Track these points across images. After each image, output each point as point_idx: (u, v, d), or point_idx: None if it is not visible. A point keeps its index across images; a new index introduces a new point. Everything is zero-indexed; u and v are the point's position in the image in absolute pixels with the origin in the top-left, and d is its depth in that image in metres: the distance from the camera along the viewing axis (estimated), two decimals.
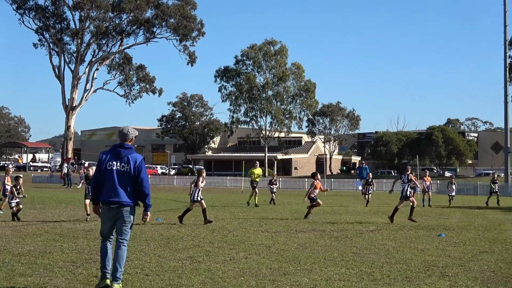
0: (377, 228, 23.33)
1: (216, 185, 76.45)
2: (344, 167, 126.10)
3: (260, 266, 14.24)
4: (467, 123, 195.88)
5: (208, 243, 18.16)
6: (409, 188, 26.85)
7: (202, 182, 24.41)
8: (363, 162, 56.46)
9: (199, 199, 24.10)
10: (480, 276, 13.40)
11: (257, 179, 37.87)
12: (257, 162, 40.62)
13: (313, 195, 27.69)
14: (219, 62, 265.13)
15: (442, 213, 32.28)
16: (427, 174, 41.47)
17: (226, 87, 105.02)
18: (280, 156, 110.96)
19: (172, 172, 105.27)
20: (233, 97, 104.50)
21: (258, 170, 38.72)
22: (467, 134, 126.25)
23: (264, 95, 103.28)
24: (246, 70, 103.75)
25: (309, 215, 27.52)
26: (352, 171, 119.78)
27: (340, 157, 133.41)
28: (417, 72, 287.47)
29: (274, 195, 39.18)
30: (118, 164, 11.17)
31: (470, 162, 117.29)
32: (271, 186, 39.74)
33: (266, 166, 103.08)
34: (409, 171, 27.85)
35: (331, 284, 12.26)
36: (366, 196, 40.22)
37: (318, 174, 29.51)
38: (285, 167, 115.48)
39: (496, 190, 42.71)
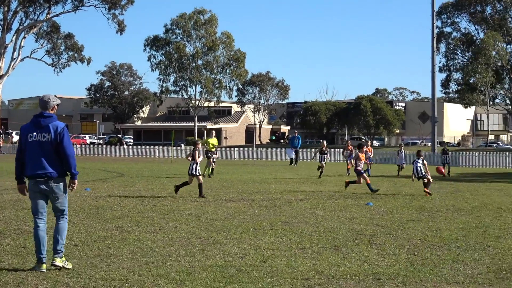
0: (306, 197, 23.48)
1: (146, 154, 76.10)
2: (274, 137, 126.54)
3: (189, 235, 14.23)
4: (395, 92, 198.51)
5: (138, 213, 18.07)
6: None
7: (199, 155, 23.68)
8: (296, 131, 56.72)
9: (197, 173, 23.27)
10: (407, 244, 13.59)
11: (212, 149, 36.65)
12: (213, 132, 39.61)
13: (359, 168, 26.89)
14: (149, 31, 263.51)
15: (371, 182, 32.60)
16: (369, 144, 41.71)
17: (156, 56, 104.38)
18: (209, 125, 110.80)
19: (101, 141, 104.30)
20: (163, 67, 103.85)
21: (213, 140, 37.50)
22: (395, 104, 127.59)
23: (194, 64, 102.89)
24: (175, 39, 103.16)
25: (348, 185, 27.12)
26: (282, 141, 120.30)
27: (270, 126, 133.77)
28: (346, 42, 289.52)
29: (214, 165, 38.26)
30: (39, 134, 10.52)
31: (397, 131, 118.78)
32: (213, 156, 38.68)
33: (196, 135, 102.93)
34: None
35: (260, 253, 12.31)
36: (322, 166, 37.86)
37: (365, 147, 29.96)
38: (215, 137, 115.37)
39: (448, 161, 43.04)
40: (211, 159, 35.79)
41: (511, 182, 35.46)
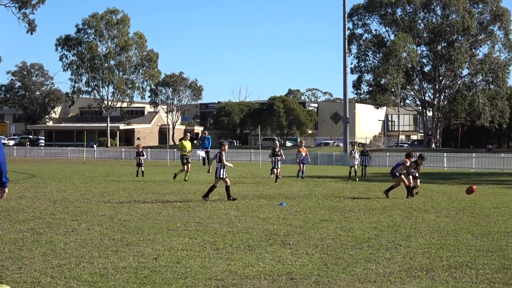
0: (220, 198, 23.47)
1: (57, 156, 75.04)
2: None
3: (102, 237, 14.10)
4: (308, 93, 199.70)
5: (50, 214, 17.83)
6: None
7: (224, 156, 23.10)
8: (206, 132, 56.55)
9: (224, 176, 22.70)
10: (320, 243, 13.71)
11: (188, 154, 34.71)
12: (188, 134, 37.86)
13: (398, 173, 25.11)
14: (61, 31, 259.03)
15: (285, 182, 32.83)
16: (303, 145, 40.20)
17: (68, 56, 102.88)
18: (122, 126, 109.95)
19: (12, 142, 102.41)
20: (75, 67, 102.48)
21: (188, 144, 35.50)
22: (307, 105, 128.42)
23: (106, 64, 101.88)
24: (87, 39, 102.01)
25: (413, 191, 25.32)
26: (195, 141, 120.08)
27: (183, 127, 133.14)
28: (258, 43, 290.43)
29: (142, 168, 37.42)
30: None
31: (310, 132, 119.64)
32: (140, 158, 37.92)
33: (108, 136, 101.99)
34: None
35: (174, 254, 12.27)
36: (275, 170, 34.57)
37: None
38: (128, 137, 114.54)
39: (367, 162, 41.16)
40: (188, 165, 34.03)
41: (421, 181, 36.07)
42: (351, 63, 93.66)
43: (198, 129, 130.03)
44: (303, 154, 38.62)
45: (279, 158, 34.91)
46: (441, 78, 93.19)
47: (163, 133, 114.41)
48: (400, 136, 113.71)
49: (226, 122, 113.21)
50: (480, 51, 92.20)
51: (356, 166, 37.25)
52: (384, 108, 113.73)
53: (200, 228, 15.64)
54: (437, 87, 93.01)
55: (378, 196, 25.70)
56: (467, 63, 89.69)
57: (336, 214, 19.02)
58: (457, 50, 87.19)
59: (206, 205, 21.03)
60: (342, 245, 13.59)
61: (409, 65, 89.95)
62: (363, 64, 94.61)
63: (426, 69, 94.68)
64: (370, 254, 12.56)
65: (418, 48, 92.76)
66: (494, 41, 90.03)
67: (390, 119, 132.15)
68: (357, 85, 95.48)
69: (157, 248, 12.92)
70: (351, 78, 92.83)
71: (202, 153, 53.04)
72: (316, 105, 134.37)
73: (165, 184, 30.36)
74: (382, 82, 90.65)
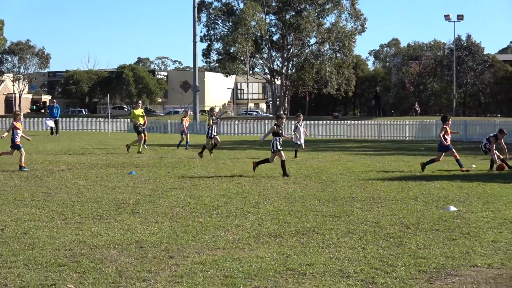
0: (68, 168, 23.16)
1: None
2: (35, 106, 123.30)
3: None
4: (157, 62, 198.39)
5: None
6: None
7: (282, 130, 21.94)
8: (54, 101, 55.62)
9: (279, 149, 21.53)
10: (169, 212, 13.76)
11: (141, 123, 32.75)
12: (140, 102, 35.71)
13: (446, 143, 23.10)
14: None
15: (134, 151, 32.58)
16: (188, 114, 38.43)
17: None
18: None
19: None
20: None
21: (140, 112, 33.30)
22: (157, 73, 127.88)
23: None
24: None
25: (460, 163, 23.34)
26: (43, 110, 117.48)
27: (30, 96, 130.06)
28: (106, 10, 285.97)
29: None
30: None
31: (160, 100, 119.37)
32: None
33: None
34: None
35: (21, 225, 12.06)
36: (213, 141, 30.64)
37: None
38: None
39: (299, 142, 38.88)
40: (143, 134, 32.53)
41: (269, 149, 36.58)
42: (201, 32, 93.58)
43: (46, 98, 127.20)
44: (187, 123, 37.33)
45: (214, 127, 30.57)
46: (289, 47, 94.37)
47: (9, 102, 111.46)
48: (249, 104, 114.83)
49: (74, 91, 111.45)
50: (327, 20, 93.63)
51: (302, 144, 30.32)
52: (234, 76, 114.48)
53: (48, 199, 15.40)
54: (285, 55, 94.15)
55: (227, 164, 25.95)
56: (314, 32, 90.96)
57: (186, 182, 19.10)
58: (305, 19, 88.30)
59: (54, 175, 20.71)
60: (191, 212, 13.68)
61: (258, 34, 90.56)
62: (212, 33, 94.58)
63: (275, 38, 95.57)
64: (219, 221, 12.70)
65: (267, 17, 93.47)
66: (341, 10, 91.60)
67: (239, 87, 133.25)
68: (206, 53, 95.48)
69: (4, 219, 12.66)
70: (201, 46, 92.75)
71: (50, 123, 52.04)
72: (166, 73, 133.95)
73: (10, 156, 29.60)
74: (231, 51, 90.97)
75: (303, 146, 30.43)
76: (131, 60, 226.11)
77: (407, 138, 55.00)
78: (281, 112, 20.71)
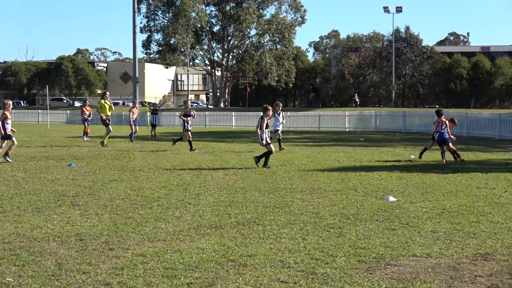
0: (4, 160, 22.85)
1: None
2: None
3: None
4: (97, 53, 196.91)
5: None
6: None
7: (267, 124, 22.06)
8: None
9: (269, 142, 21.82)
10: (109, 204, 13.69)
11: (108, 114, 32.20)
12: (107, 93, 34.00)
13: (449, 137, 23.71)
14: None
15: (73, 142, 32.30)
16: (136, 105, 38.83)
17: None
18: None
19: None
20: None
21: (108, 104, 32.30)
22: (96, 64, 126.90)
23: None
24: None
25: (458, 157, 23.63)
26: None
27: None
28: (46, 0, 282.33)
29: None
30: None
31: (99, 91, 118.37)
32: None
33: None
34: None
35: None
36: (188, 133, 28.92)
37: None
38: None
39: (156, 122, 41.27)
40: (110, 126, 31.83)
41: (211, 141, 36.62)
42: (141, 23, 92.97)
43: None
44: (136, 115, 37.30)
45: (189, 119, 29.28)
46: (229, 38, 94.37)
47: None
48: (190, 96, 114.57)
49: (12, 82, 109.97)
50: (267, 11, 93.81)
51: (279, 131, 30.26)
52: (174, 68, 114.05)
53: None
54: (225, 47, 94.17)
55: (168, 156, 25.87)
56: (255, 24, 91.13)
57: (126, 174, 19.02)
58: (245, 10, 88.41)
59: None
60: (131, 204, 13.63)
61: (198, 25, 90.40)
62: (152, 24, 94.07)
63: (215, 29, 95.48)
64: (160, 213, 12.68)
65: (207, 8, 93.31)
66: (281, 1, 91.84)
67: (179, 78, 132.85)
68: (146, 44, 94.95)
69: None
70: (141, 37, 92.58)
71: None
72: (105, 64, 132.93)
73: None
74: (171, 42, 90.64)
75: (279, 135, 30.13)
76: (71, 51, 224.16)
77: (346, 129, 55.40)
78: (267, 105, 20.38)
